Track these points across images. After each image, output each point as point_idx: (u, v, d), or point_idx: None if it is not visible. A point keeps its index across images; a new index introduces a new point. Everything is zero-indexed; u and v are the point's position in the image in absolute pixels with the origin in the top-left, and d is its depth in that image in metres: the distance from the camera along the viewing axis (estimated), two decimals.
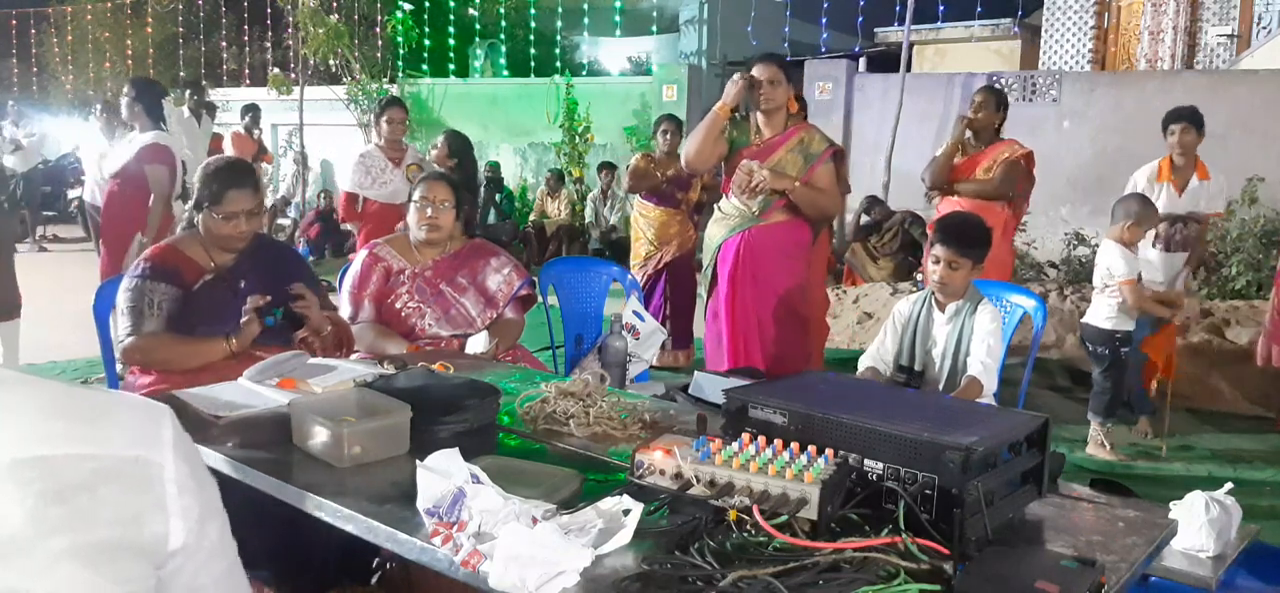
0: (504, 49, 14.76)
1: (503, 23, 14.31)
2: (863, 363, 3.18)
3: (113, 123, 6.56)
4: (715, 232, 3.94)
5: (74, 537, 0.70)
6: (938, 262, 2.97)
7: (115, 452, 0.74)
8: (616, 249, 9.55)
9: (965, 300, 3.00)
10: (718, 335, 3.96)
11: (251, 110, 9.66)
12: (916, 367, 3.07)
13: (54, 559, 0.69)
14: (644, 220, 5.85)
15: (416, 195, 3.19)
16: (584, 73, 14.27)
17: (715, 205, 4.08)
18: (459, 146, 5.45)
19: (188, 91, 8.27)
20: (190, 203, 2.80)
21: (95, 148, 5.60)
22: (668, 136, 5.88)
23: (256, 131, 9.68)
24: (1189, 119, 5.04)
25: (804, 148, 3.87)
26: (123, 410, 0.77)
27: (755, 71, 3.77)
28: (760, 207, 3.78)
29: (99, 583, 0.70)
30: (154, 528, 0.75)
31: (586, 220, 10.76)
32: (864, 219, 8.67)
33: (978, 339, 2.93)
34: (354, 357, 2.94)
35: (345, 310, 3.11)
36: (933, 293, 3.06)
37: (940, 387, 3.01)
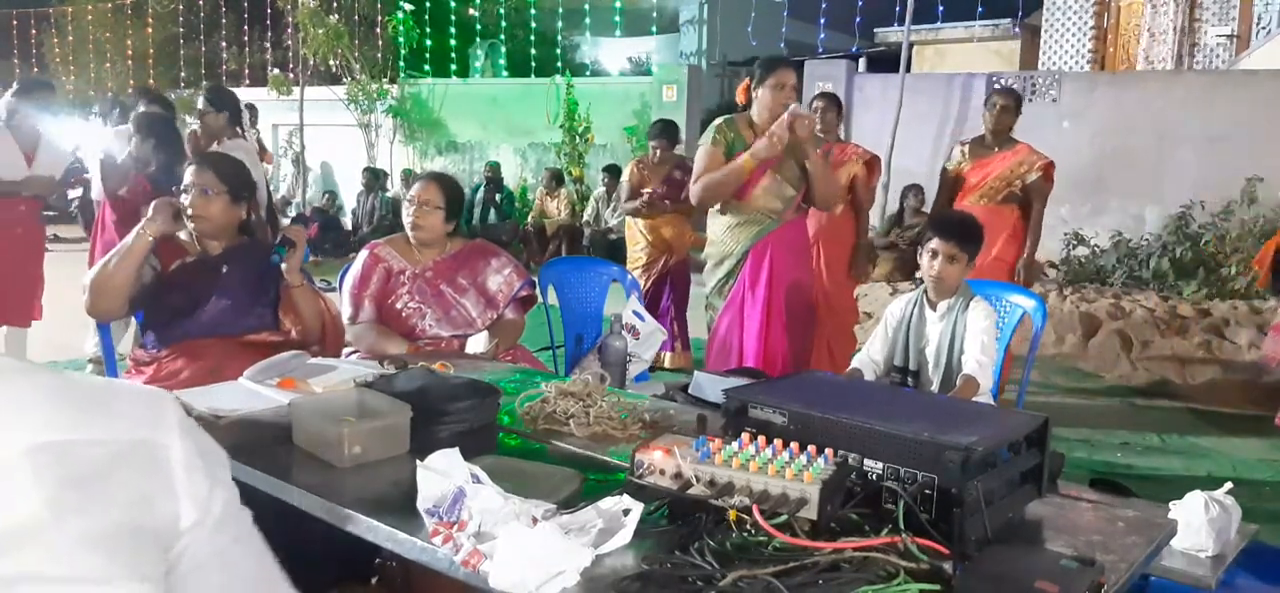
0: (504, 49, 14.77)
1: (503, 23, 14.32)
2: (852, 364, 3.19)
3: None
4: (734, 234, 3.77)
5: (90, 521, 0.70)
6: (935, 256, 2.97)
7: (123, 436, 0.74)
8: (610, 251, 9.51)
9: (958, 297, 3.00)
10: (729, 337, 3.87)
11: (247, 110, 9.67)
12: (911, 366, 3.07)
13: (71, 544, 0.69)
14: (642, 223, 5.81)
15: (408, 195, 3.22)
16: (584, 73, 14.28)
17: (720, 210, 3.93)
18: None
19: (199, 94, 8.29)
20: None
21: (101, 147, 5.56)
22: (659, 153, 5.85)
23: (253, 131, 9.68)
24: None
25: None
26: (125, 396, 0.78)
27: (786, 77, 3.63)
28: (785, 202, 3.73)
29: (114, 567, 0.71)
30: (164, 510, 0.75)
31: (586, 219, 10.76)
32: (893, 207, 8.71)
33: (971, 337, 2.92)
34: (354, 357, 2.95)
35: (345, 310, 3.12)
36: (925, 292, 3.07)
37: (935, 386, 3.01)
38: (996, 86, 5.29)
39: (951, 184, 4.99)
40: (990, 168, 4.87)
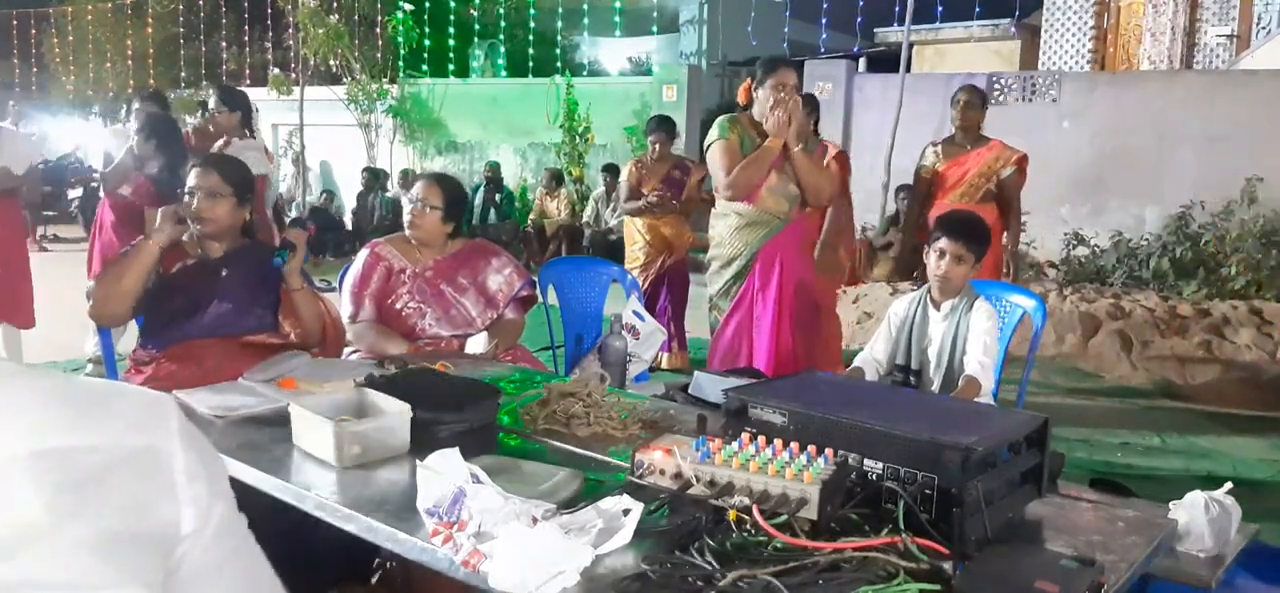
0: (504, 49, 14.76)
1: (503, 23, 14.31)
2: (855, 363, 3.19)
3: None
4: (741, 236, 3.76)
5: (89, 526, 0.70)
6: (942, 255, 2.96)
7: (124, 441, 0.74)
8: (610, 251, 9.51)
9: (961, 298, 2.99)
10: (737, 340, 3.84)
11: None
12: (913, 366, 3.07)
13: (70, 549, 0.69)
14: (640, 222, 5.79)
15: (408, 194, 3.24)
16: (584, 73, 14.28)
17: (732, 211, 3.83)
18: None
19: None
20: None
21: (104, 149, 5.56)
22: (658, 148, 5.84)
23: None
24: None
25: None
26: (127, 400, 0.78)
27: (787, 78, 3.65)
28: (791, 202, 3.73)
29: (111, 571, 0.71)
30: (165, 516, 0.75)
31: (585, 220, 10.77)
32: (892, 208, 8.71)
33: (974, 338, 2.92)
34: (355, 356, 2.95)
35: (346, 309, 3.12)
36: (928, 291, 3.06)
37: (937, 386, 3.01)
38: (961, 85, 5.25)
39: (927, 185, 4.97)
40: (968, 165, 4.86)
